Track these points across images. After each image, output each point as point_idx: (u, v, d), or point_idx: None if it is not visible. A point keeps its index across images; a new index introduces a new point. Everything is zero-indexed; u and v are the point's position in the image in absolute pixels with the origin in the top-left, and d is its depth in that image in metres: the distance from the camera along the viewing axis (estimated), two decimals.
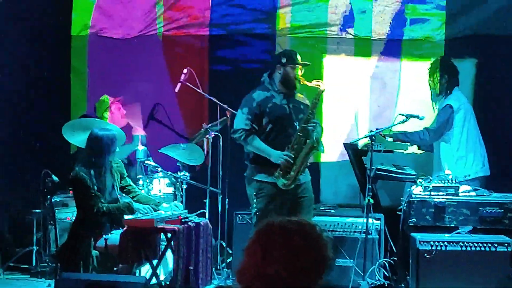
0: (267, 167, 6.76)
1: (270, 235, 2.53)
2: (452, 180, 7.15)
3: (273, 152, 6.73)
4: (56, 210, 7.62)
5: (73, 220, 7.04)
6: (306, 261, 2.47)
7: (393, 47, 8.66)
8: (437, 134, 7.70)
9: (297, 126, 6.78)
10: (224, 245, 7.95)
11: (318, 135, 6.83)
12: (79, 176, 6.53)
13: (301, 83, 6.87)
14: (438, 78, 7.79)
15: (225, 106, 7.81)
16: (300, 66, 6.89)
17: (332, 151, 8.61)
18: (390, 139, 7.73)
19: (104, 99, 8.28)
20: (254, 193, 6.82)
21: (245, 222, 7.62)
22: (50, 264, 7.75)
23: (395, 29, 8.66)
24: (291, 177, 6.69)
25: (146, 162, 7.75)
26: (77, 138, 7.40)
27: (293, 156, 6.68)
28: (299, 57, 6.90)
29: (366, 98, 8.71)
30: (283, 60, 6.88)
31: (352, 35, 8.71)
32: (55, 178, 7.55)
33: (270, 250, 2.47)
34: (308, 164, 6.93)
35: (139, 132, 8.25)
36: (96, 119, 7.86)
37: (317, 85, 6.84)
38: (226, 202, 7.86)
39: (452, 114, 7.62)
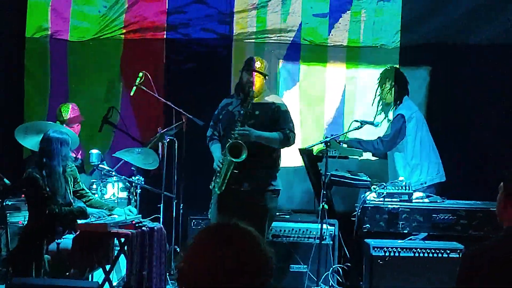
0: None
1: (211, 235, 2.53)
2: (405, 187, 7.21)
3: (216, 156, 6.78)
4: (8, 214, 7.50)
5: (25, 224, 6.97)
6: (246, 264, 2.47)
7: (349, 54, 8.70)
8: (390, 144, 7.76)
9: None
10: (178, 251, 7.90)
11: (238, 143, 6.58)
12: (32, 176, 6.53)
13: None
14: (388, 88, 7.86)
15: (181, 110, 7.76)
16: (257, 74, 6.86)
17: (287, 156, 8.62)
18: (345, 145, 7.77)
19: (62, 112, 8.11)
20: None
21: (200, 227, 7.59)
22: (1, 268, 7.62)
23: (351, 36, 8.69)
24: (218, 182, 6.67)
25: (100, 166, 7.68)
26: (29, 141, 7.33)
27: (221, 160, 6.68)
28: (258, 64, 6.86)
29: (322, 104, 8.73)
30: (242, 66, 6.92)
31: (309, 41, 8.73)
32: (6, 181, 7.44)
33: (209, 250, 2.47)
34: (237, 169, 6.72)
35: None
36: (50, 122, 7.77)
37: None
38: (181, 207, 7.82)
39: (404, 124, 7.70)
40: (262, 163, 6.77)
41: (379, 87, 7.94)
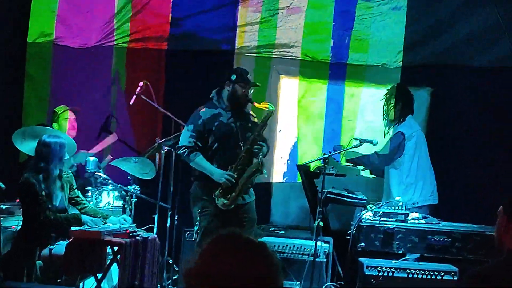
0: (211, 185, 6.73)
1: (225, 240, 2.55)
2: (402, 207, 7.18)
3: (216, 170, 6.72)
4: (1, 218, 7.45)
5: (18, 229, 6.93)
6: (255, 272, 2.48)
7: (349, 72, 8.69)
8: (387, 160, 7.75)
9: (243, 146, 6.76)
10: (171, 262, 7.87)
11: (263, 158, 6.79)
12: (28, 182, 6.50)
13: (252, 104, 6.87)
14: (393, 104, 7.86)
15: (180, 121, 7.75)
16: (249, 86, 6.87)
17: (284, 172, 8.62)
18: (350, 164, 7.78)
19: (56, 110, 8.21)
20: (199, 211, 6.78)
21: (193, 239, 7.54)
22: None
23: (353, 54, 8.69)
24: (232, 197, 6.67)
25: (96, 173, 7.66)
26: (26, 146, 7.31)
27: (235, 176, 6.65)
28: (249, 76, 6.88)
29: (321, 120, 8.73)
30: (233, 77, 6.88)
31: (311, 57, 8.72)
32: (1, 185, 7.40)
33: (221, 255, 2.49)
34: (253, 184, 6.90)
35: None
36: (47, 127, 7.76)
37: (265, 107, 6.82)
38: (175, 218, 7.79)
39: (403, 141, 7.70)
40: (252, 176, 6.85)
41: (385, 104, 7.94)
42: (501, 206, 3.91)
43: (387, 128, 7.95)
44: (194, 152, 6.81)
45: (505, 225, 3.70)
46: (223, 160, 6.77)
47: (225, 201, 6.68)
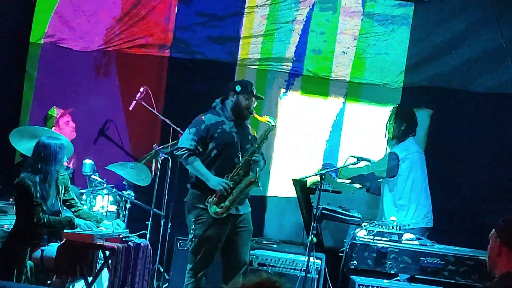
0: (207, 193, 6.69)
1: None
2: (396, 227, 7.16)
3: (212, 177, 6.66)
4: None
5: (11, 228, 6.89)
6: None
7: (350, 89, 8.68)
8: (375, 178, 7.78)
9: (241, 157, 6.73)
10: (162, 270, 7.82)
11: (260, 171, 6.78)
12: (23, 183, 6.45)
13: (253, 115, 6.85)
14: (397, 124, 7.86)
15: (178, 129, 7.73)
16: (253, 98, 6.87)
17: (280, 186, 8.59)
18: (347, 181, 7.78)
19: (52, 114, 8.18)
20: (193, 219, 6.72)
21: (186, 248, 7.50)
22: None
23: (355, 72, 8.69)
24: (225, 207, 6.62)
25: (92, 176, 7.63)
26: (23, 145, 7.29)
27: (231, 185, 6.63)
28: (254, 89, 6.88)
29: (319, 137, 8.71)
30: (238, 89, 6.86)
31: (312, 73, 8.72)
32: None
33: None
34: (247, 195, 6.86)
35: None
36: (45, 128, 7.75)
37: (268, 121, 6.82)
38: (169, 226, 7.75)
39: (396, 162, 7.69)
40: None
41: (388, 123, 7.95)
42: (493, 230, 3.89)
43: (388, 147, 7.95)
44: (193, 156, 6.74)
45: (498, 248, 3.67)
46: (220, 168, 6.71)
47: (217, 210, 6.63)
